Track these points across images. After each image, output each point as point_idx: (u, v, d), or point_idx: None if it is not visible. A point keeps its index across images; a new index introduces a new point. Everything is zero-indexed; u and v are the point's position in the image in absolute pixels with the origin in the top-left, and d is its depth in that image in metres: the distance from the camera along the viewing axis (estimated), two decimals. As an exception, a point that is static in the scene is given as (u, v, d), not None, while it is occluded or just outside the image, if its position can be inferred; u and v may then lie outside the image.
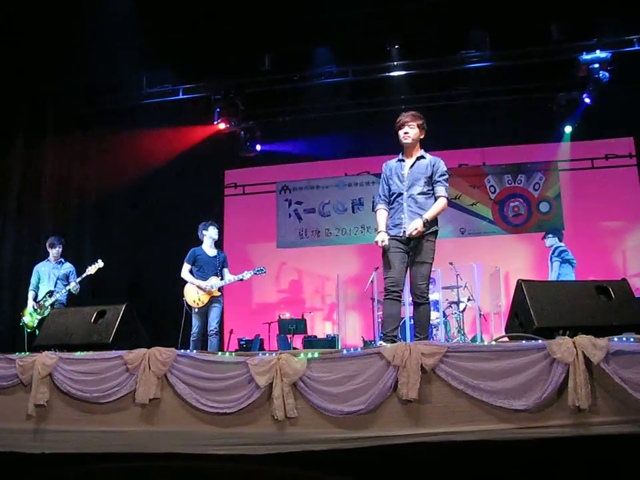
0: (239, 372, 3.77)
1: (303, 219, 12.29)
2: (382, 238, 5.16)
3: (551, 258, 8.63)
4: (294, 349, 9.96)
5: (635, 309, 4.11)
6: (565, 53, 9.34)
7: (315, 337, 10.54)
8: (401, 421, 3.56)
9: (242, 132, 11.08)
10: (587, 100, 9.91)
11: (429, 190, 5.26)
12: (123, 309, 4.60)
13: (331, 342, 10.13)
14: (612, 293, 4.05)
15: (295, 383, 3.65)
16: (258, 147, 11.37)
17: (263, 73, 9.96)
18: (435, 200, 5.23)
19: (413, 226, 5.03)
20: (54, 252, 8.26)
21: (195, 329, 7.84)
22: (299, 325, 10.41)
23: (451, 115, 10.85)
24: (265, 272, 8.25)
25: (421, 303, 5.13)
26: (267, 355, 3.82)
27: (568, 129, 10.98)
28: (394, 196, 5.33)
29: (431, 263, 5.20)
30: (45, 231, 9.53)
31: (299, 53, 9.72)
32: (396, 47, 9.77)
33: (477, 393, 3.48)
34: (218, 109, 10.59)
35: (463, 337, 9.59)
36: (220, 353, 4.16)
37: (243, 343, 10.28)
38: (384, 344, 4.53)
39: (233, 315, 11.80)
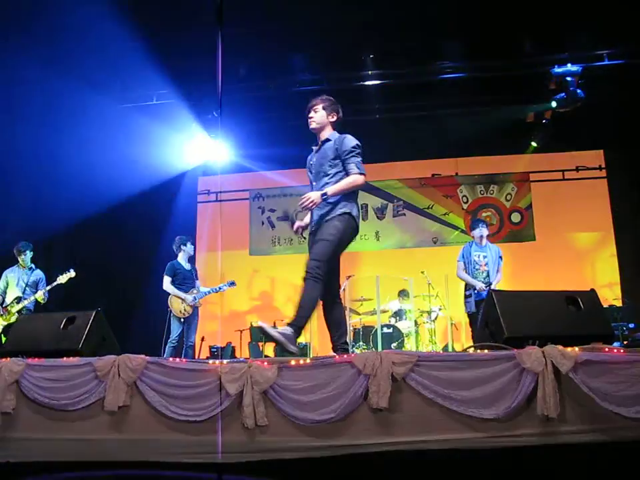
0: (209, 379, 3.74)
1: (275, 226, 12.29)
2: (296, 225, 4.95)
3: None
4: (265, 356, 9.93)
5: (603, 319, 4.17)
6: (537, 66, 9.47)
7: (287, 344, 10.51)
8: (372, 429, 3.56)
9: (216, 139, 11.06)
10: (559, 113, 10.03)
11: (337, 172, 4.75)
12: (93, 315, 4.55)
13: (302, 350, 10.12)
14: (581, 303, 4.10)
15: (265, 391, 3.64)
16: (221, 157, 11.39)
17: (237, 80, 9.96)
18: None
19: (307, 195, 4.61)
20: (22, 258, 8.13)
21: (175, 336, 8.08)
22: (270, 333, 10.37)
23: (425, 124, 10.93)
24: (235, 285, 8.59)
25: (305, 278, 4.58)
26: (237, 362, 3.80)
27: (541, 141, 11.10)
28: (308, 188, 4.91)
29: (329, 240, 4.59)
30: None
31: (273, 60, 9.73)
32: (370, 56, 9.82)
33: (448, 402, 3.49)
34: (192, 116, 10.57)
35: (434, 346, 9.63)
36: (190, 360, 4.14)
37: (215, 350, 10.24)
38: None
39: (204, 322, 11.73)
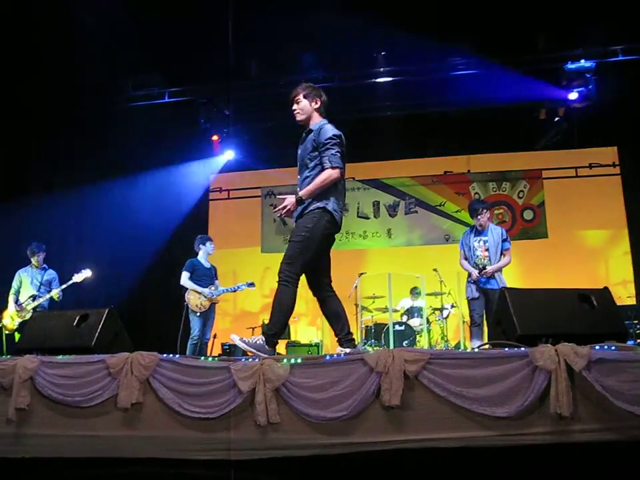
0: (221, 377, 3.75)
1: (287, 224, 12.29)
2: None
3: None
4: (277, 354, 9.94)
5: (616, 317, 4.15)
6: (550, 62, 9.43)
7: (299, 342, 10.54)
8: (384, 427, 3.56)
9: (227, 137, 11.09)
10: (573, 109, 9.99)
11: (316, 165, 4.60)
12: (106, 312, 4.57)
13: (314, 347, 10.14)
14: (594, 301, 4.08)
15: (277, 388, 3.64)
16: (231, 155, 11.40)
17: (249, 78, 9.98)
18: None
19: (284, 203, 4.53)
20: (36, 259, 8.25)
21: (196, 332, 8.27)
22: (282, 330, 10.40)
23: (437, 121, 10.90)
24: (254, 287, 8.75)
25: (278, 283, 4.48)
26: (250, 360, 3.81)
27: (553, 137, 11.05)
28: None
29: (297, 242, 4.51)
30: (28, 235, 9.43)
31: (285, 58, 9.74)
32: (382, 53, 9.81)
33: (460, 400, 3.48)
34: (203, 113, 10.60)
35: (446, 343, 9.61)
36: (203, 357, 4.15)
37: (227, 347, 10.26)
38: (340, 349, 4.51)
39: (216, 319, 11.77)
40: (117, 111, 10.37)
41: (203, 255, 8.60)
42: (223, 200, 12.52)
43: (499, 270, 7.38)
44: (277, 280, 4.49)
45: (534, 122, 10.70)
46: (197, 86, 10.36)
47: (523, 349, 3.61)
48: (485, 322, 7.25)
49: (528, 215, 11.69)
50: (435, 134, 11.08)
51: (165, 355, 3.94)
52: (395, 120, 10.79)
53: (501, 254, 7.48)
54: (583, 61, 9.19)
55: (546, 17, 8.64)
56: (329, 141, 4.55)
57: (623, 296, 10.03)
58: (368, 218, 12.21)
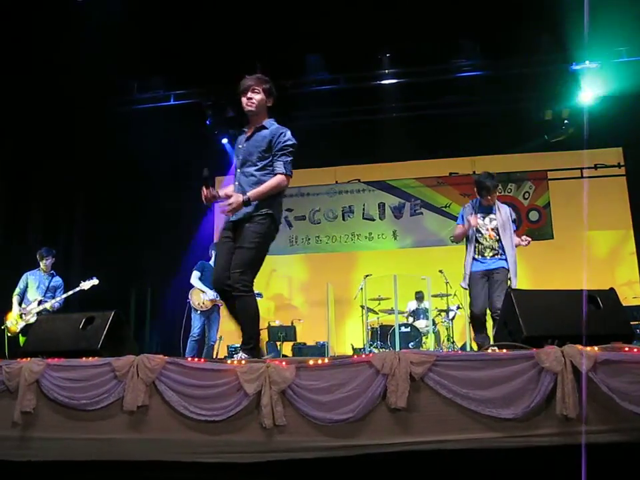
0: (227, 379, 3.75)
1: (293, 226, 12.31)
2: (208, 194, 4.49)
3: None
4: (284, 356, 9.95)
5: (622, 318, 4.13)
6: (555, 63, 9.42)
7: (305, 344, 10.55)
8: (390, 429, 3.55)
9: (233, 138, 11.08)
10: (578, 110, 9.98)
11: (265, 165, 4.51)
12: (112, 315, 4.57)
13: (320, 349, 10.14)
14: (600, 302, 4.06)
15: (283, 390, 3.64)
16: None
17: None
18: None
19: (229, 201, 4.35)
20: (44, 263, 8.31)
21: (196, 330, 8.43)
22: (288, 332, 10.43)
23: (442, 123, 10.90)
24: (261, 297, 8.81)
25: (236, 295, 4.34)
26: (256, 362, 3.81)
27: (558, 138, 11.03)
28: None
29: (251, 248, 4.38)
30: (33, 238, 9.48)
31: (290, 60, 9.75)
32: (387, 55, 9.82)
33: (466, 401, 3.47)
34: (209, 115, 10.61)
35: (452, 345, 9.60)
36: (209, 360, 4.15)
37: (232, 349, 10.26)
38: (237, 356, 4.43)
39: (222, 321, 11.78)
40: (122, 113, 10.39)
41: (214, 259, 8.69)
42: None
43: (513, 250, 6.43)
44: (235, 292, 4.35)
45: (539, 122, 10.67)
46: (202, 88, 10.37)
47: (529, 350, 3.61)
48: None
49: (533, 216, 11.68)
50: (440, 135, 11.07)
51: (170, 358, 3.95)
52: (400, 121, 10.78)
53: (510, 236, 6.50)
54: (587, 62, 9.18)
55: (550, 19, 8.63)
56: (288, 147, 4.51)
57: (629, 296, 9.99)
58: (373, 220, 12.21)
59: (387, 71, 9.94)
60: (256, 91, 4.69)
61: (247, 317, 4.46)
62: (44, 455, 3.90)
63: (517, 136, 10.94)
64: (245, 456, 3.64)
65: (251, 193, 4.36)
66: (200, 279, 8.62)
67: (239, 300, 4.37)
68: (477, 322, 6.37)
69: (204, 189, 4.47)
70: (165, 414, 3.82)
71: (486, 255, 6.42)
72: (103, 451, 3.83)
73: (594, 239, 11.33)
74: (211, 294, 8.42)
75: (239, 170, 4.58)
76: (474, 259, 6.49)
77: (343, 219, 12.24)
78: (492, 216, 6.50)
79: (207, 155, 11.22)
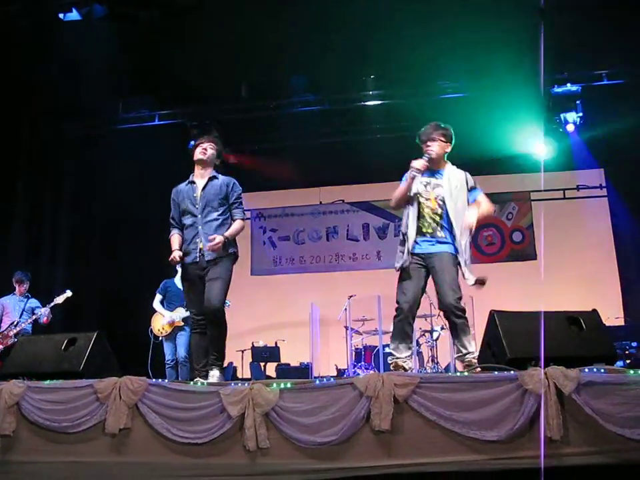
0: (211, 402, 3.74)
1: (277, 246, 12.29)
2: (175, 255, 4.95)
3: None
4: (267, 377, 9.90)
5: (605, 339, 4.16)
6: (536, 85, 9.52)
7: (289, 364, 10.49)
8: (374, 451, 3.54)
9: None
10: (560, 132, 10.09)
11: (225, 210, 5.02)
12: (94, 336, 4.54)
13: (304, 370, 10.09)
14: (583, 323, 4.09)
15: (267, 413, 3.63)
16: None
17: (239, 100, 10.02)
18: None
19: (215, 240, 4.72)
20: (22, 288, 8.25)
21: (168, 357, 8.10)
22: (272, 353, 10.39)
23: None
24: (229, 305, 8.51)
25: (214, 320, 4.74)
26: (240, 384, 3.79)
27: (541, 159, 11.12)
28: (188, 220, 5.05)
29: (227, 281, 4.85)
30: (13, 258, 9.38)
31: (274, 81, 9.80)
32: (371, 76, 9.89)
33: (450, 423, 3.47)
34: (194, 136, 10.62)
35: (436, 366, 9.59)
36: (192, 382, 4.13)
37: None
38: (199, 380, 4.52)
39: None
40: (107, 132, 10.39)
41: (179, 276, 8.46)
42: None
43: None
44: (214, 320, 4.75)
45: (522, 143, 10.75)
46: (187, 108, 10.39)
47: (512, 372, 3.61)
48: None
49: (517, 237, 11.74)
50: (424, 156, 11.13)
51: (154, 380, 3.92)
52: (384, 142, 10.82)
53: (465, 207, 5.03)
54: (569, 84, 9.30)
55: (532, 42, 8.73)
56: (240, 197, 5.13)
57: (612, 317, 10.03)
58: (357, 240, 12.21)
59: (370, 93, 10.00)
60: (211, 146, 5.26)
61: (223, 340, 4.90)
62: (23, 478, 3.85)
63: (500, 157, 11.00)
64: (227, 479, 3.62)
65: (227, 233, 4.89)
66: (162, 301, 8.28)
67: (220, 325, 4.81)
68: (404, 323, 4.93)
69: (178, 252, 4.98)
70: (148, 436, 3.80)
71: (425, 231, 4.97)
72: (83, 474, 3.79)
73: (576, 259, 11.38)
74: (169, 317, 8.10)
75: (199, 216, 4.98)
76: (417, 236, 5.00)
77: (327, 240, 12.24)
78: (437, 181, 5.07)
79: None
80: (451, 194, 4.96)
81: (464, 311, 4.79)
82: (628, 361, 8.55)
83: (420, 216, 4.98)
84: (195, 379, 4.53)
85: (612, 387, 3.46)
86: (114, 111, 10.34)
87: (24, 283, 8.26)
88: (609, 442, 3.38)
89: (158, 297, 8.32)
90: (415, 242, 4.95)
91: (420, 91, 9.90)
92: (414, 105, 9.99)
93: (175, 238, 5.09)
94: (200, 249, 4.87)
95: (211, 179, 5.14)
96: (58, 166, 10.54)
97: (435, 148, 5.03)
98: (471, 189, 5.08)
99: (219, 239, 4.76)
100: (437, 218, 4.95)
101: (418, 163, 4.96)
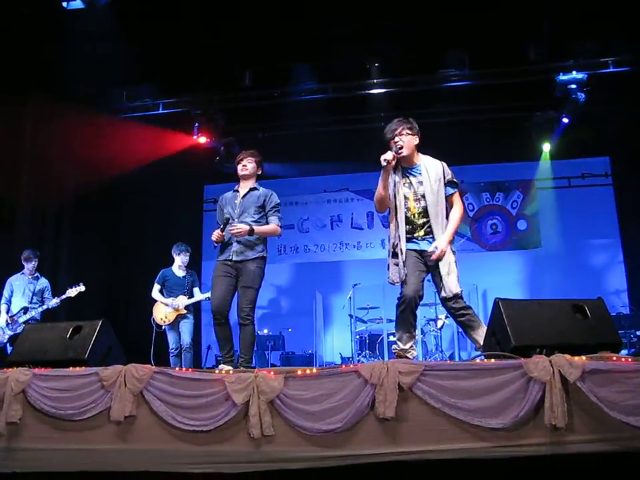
0: (215, 389, 3.74)
1: (281, 234, 12.28)
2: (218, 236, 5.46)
3: None
4: (272, 365, 9.93)
5: (610, 327, 4.14)
6: (542, 73, 9.48)
7: (293, 353, 10.52)
8: (378, 439, 3.54)
9: (222, 147, 11.07)
10: (565, 120, 10.05)
11: (261, 218, 5.57)
12: (100, 324, 4.54)
13: (308, 358, 10.12)
14: (588, 311, 4.07)
15: (271, 400, 3.63)
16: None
17: (243, 89, 10.00)
18: None
19: (238, 226, 5.31)
20: (30, 266, 8.13)
21: (172, 345, 8.18)
22: (276, 341, 10.42)
23: (430, 132, 10.78)
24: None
25: (245, 324, 5.37)
26: (244, 372, 3.80)
27: (546, 148, 11.09)
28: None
29: (257, 289, 5.45)
30: (19, 242, 9.35)
31: (279, 69, 9.77)
32: (376, 64, 9.85)
33: (454, 411, 3.47)
34: (198, 124, 10.61)
35: (440, 354, 9.60)
36: (217, 368, 4.14)
37: (221, 358, 10.22)
38: (224, 366, 5.06)
39: (211, 330, 11.73)
40: (110, 121, 10.37)
41: (177, 264, 8.49)
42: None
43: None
44: (244, 322, 5.40)
45: (527, 132, 10.72)
46: (191, 97, 10.37)
47: (517, 360, 3.61)
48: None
49: (522, 225, 11.71)
50: (429, 144, 11.01)
51: (158, 367, 3.93)
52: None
53: (446, 203, 4.96)
54: (574, 72, 9.24)
55: (537, 29, 8.69)
56: (277, 206, 5.67)
57: (617, 305, 10.04)
58: (362, 229, 12.21)
59: (374, 81, 9.97)
60: (250, 161, 5.76)
61: (251, 339, 5.45)
62: (29, 466, 3.87)
63: (505, 145, 10.97)
64: (232, 466, 3.63)
65: (256, 227, 5.41)
66: (161, 290, 8.33)
67: (249, 327, 5.40)
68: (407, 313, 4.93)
69: (219, 231, 5.44)
70: (153, 424, 3.80)
71: (416, 235, 4.98)
72: (89, 461, 3.80)
73: (582, 248, 11.37)
74: (172, 305, 8.17)
75: (236, 219, 5.49)
76: (407, 239, 4.96)
77: (332, 228, 12.24)
78: (416, 179, 5.02)
79: (195, 164, 11.22)
80: (431, 189, 4.94)
81: (465, 307, 4.90)
82: (633, 350, 8.56)
83: (407, 222, 4.95)
84: (220, 366, 5.09)
85: (617, 374, 3.45)
86: (118, 99, 10.33)
87: (31, 260, 8.10)
88: (614, 430, 3.37)
89: (156, 287, 8.36)
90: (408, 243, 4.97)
91: (423, 79, 9.87)
92: (418, 93, 9.98)
93: (217, 231, 5.51)
94: (232, 250, 5.42)
95: (252, 189, 5.69)
96: (61, 157, 10.53)
97: (404, 140, 4.98)
98: (447, 183, 5.05)
99: (242, 226, 5.30)
100: (422, 218, 4.94)
101: (386, 155, 4.90)
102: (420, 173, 5.00)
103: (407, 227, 4.92)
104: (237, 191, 5.74)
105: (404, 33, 8.70)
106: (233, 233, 5.31)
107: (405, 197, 4.94)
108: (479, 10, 8.27)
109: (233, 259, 5.40)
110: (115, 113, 10.39)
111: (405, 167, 5.05)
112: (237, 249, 5.41)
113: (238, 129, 11.14)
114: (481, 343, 4.61)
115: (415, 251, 4.94)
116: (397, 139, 4.97)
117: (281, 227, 5.65)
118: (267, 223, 5.58)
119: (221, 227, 5.48)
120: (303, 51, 9.31)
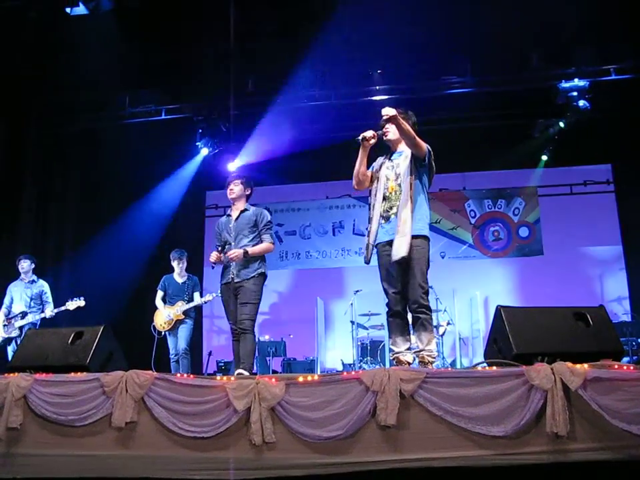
0: (217, 396, 3.74)
1: (283, 241, 12.29)
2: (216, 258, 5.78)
3: None
4: (273, 371, 9.91)
5: (612, 335, 4.13)
6: (544, 81, 9.49)
7: (294, 359, 10.50)
8: (379, 446, 3.54)
9: (224, 153, 11.08)
10: (561, 124, 10.07)
11: (254, 237, 5.82)
12: (101, 330, 4.55)
13: (310, 365, 10.10)
14: (590, 319, 4.07)
15: (273, 407, 3.63)
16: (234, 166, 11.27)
17: (246, 95, 10.01)
18: None
19: (233, 252, 5.58)
20: (24, 269, 8.08)
21: (172, 351, 8.17)
22: (278, 348, 10.40)
23: (432, 139, 10.84)
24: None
25: (245, 333, 5.57)
26: (245, 378, 3.80)
27: (544, 157, 11.12)
28: (227, 247, 5.80)
29: (255, 304, 5.67)
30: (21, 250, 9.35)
31: (281, 75, 9.78)
32: (378, 71, 9.86)
33: (456, 419, 3.47)
34: (200, 130, 10.62)
35: (442, 361, 9.59)
36: (198, 376, 4.13)
37: (222, 364, 10.22)
38: (242, 371, 5.26)
39: (212, 336, 11.74)
40: (113, 127, 10.39)
41: (177, 269, 8.49)
42: (219, 217, 12.51)
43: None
44: (245, 332, 5.58)
45: (529, 139, 10.73)
46: (194, 103, 10.39)
47: (519, 367, 3.61)
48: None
49: (523, 232, 11.70)
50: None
51: (160, 374, 3.93)
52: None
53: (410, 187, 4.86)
54: (576, 79, 9.25)
55: (540, 37, 8.70)
56: (269, 223, 5.96)
57: (619, 312, 10.02)
58: (364, 235, 12.12)
59: (377, 88, 9.97)
60: (236, 184, 6.01)
61: (251, 347, 5.61)
62: (30, 471, 3.86)
63: (507, 152, 10.97)
64: (234, 473, 3.62)
65: (249, 249, 5.67)
66: (164, 297, 8.32)
67: (248, 336, 5.58)
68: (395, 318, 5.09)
69: (217, 252, 5.77)
70: (154, 430, 3.80)
71: (390, 213, 5.01)
72: (90, 467, 3.80)
73: (583, 255, 11.36)
74: (166, 315, 8.15)
75: (232, 243, 5.77)
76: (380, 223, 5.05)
77: (334, 234, 12.23)
78: (395, 161, 5.09)
79: (198, 169, 11.23)
80: (407, 168, 4.97)
81: (428, 307, 4.97)
82: (635, 358, 8.54)
83: (385, 198, 5.02)
84: (238, 371, 5.25)
85: (618, 382, 3.45)
86: (121, 105, 10.35)
87: (25, 264, 8.05)
88: (616, 438, 3.37)
89: (159, 294, 8.38)
90: (379, 228, 5.14)
91: (426, 86, 9.88)
92: (420, 99, 9.98)
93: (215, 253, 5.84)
94: (231, 272, 5.66)
95: (243, 211, 5.93)
96: (65, 160, 10.57)
97: (392, 128, 5.07)
98: (422, 165, 5.09)
99: (237, 251, 5.57)
100: (397, 197, 4.95)
101: (367, 132, 5.06)
102: (400, 156, 5.09)
103: (384, 203, 5.00)
104: (230, 215, 6.03)
105: (407, 40, 8.71)
106: (230, 258, 5.60)
107: (387, 178, 5.03)
108: (482, 18, 8.28)
109: (235, 281, 5.65)
110: (118, 119, 10.40)
111: (392, 152, 5.19)
112: (236, 271, 5.66)
113: (241, 135, 11.14)
114: (425, 348, 4.87)
115: (387, 244, 5.08)
116: (388, 126, 5.11)
117: (273, 243, 5.94)
118: (262, 241, 5.82)
119: (219, 248, 5.79)
120: (305, 57, 9.32)
